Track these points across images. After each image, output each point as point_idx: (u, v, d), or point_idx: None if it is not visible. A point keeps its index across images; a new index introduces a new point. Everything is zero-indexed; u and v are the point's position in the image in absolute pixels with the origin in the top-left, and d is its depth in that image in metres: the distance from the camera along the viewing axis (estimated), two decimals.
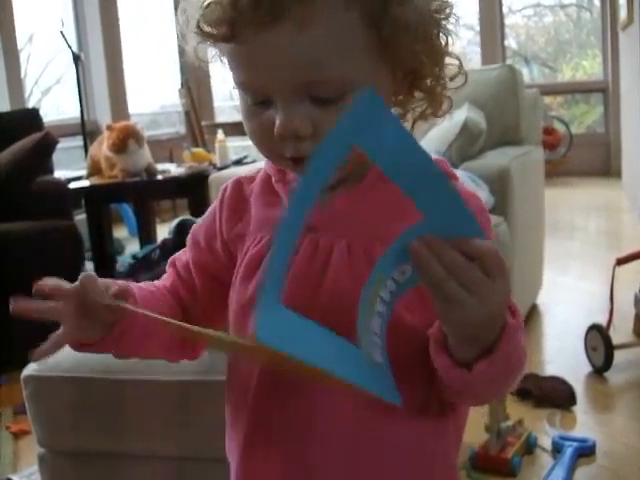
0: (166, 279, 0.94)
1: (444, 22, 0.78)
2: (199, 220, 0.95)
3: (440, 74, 0.79)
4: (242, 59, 0.74)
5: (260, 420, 0.82)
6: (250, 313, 0.81)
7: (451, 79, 0.81)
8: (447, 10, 0.78)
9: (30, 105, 5.86)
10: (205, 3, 0.73)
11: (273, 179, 0.86)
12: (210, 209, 0.92)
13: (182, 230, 1.81)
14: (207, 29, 0.74)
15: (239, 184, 0.90)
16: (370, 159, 0.64)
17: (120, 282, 0.84)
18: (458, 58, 0.80)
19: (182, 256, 0.94)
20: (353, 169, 0.79)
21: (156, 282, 0.94)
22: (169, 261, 0.95)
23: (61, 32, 4.54)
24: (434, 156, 0.85)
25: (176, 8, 0.79)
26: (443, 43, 0.78)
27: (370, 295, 0.67)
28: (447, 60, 0.80)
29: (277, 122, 0.74)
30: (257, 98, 0.76)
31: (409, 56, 0.75)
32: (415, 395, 0.79)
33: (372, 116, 0.62)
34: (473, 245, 0.65)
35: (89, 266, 3.65)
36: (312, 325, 0.69)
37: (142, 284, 0.90)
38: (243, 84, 0.76)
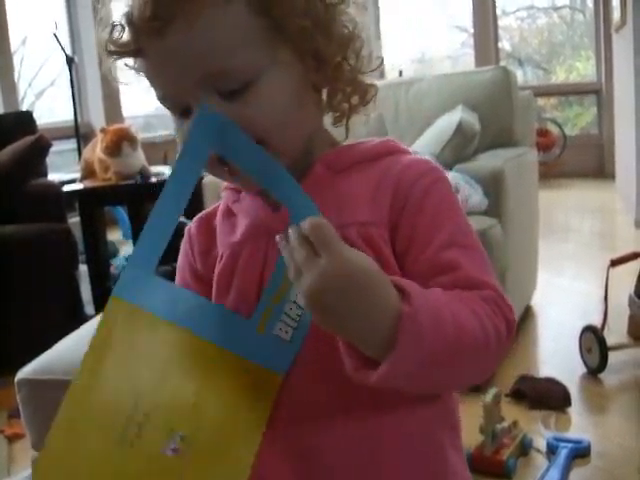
0: None
1: (340, 6, 0.80)
2: (176, 268, 0.94)
3: (350, 59, 0.82)
4: (151, 71, 0.79)
5: None
6: None
7: (362, 63, 0.83)
8: None
9: (24, 108, 5.85)
10: (108, 27, 0.80)
11: (230, 202, 0.90)
12: (181, 254, 0.93)
13: (175, 232, 1.81)
14: (115, 49, 0.80)
15: (203, 219, 0.94)
16: (228, 160, 0.77)
17: None
18: (360, 38, 0.82)
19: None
20: (297, 163, 0.83)
21: None
22: None
23: (54, 34, 4.53)
24: (383, 139, 0.87)
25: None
26: (345, 28, 0.81)
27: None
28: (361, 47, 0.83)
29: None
30: (177, 110, 0.81)
31: (304, 37, 0.78)
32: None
33: (216, 127, 0.75)
34: (301, 226, 0.70)
35: (83, 269, 3.64)
36: (184, 291, 0.82)
37: None
38: (162, 99, 0.81)
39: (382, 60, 0.86)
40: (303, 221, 0.70)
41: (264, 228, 0.83)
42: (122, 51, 0.80)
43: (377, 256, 0.77)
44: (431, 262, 0.77)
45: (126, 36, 0.79)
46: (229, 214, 0.90)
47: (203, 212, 0.94)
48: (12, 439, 2.37)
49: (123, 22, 0.78)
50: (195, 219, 0.94)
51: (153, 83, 0.80)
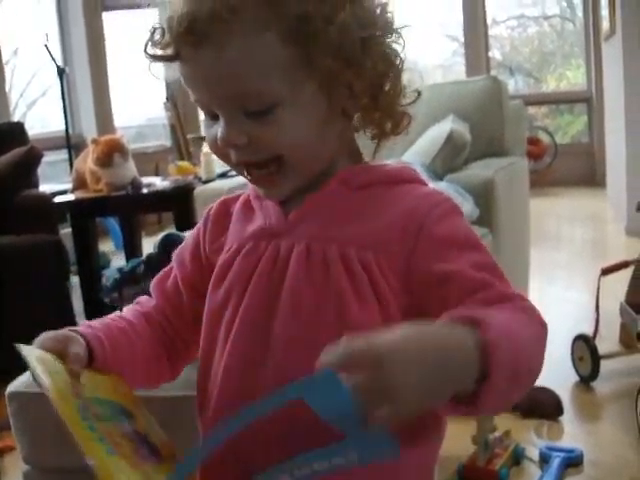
0: (151, 302, 0.98)
1: (377, 39, 0.81)
2: (185, 239, 0.98)
3: (384, 92, 0.82)
4: (187, 76, 0.82)
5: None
6: (219, 319, 0.87)
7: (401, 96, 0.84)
8: (386, 27, 0.82)
9: (15, 118, 5.84)
10: (150, 28, 0.83)
11: (250, 196, 0.92)
12: (195, 228, 0.97)
13: (167, 245, 1.80)
14: (155, 51, 0.83)
15: (225, 203, 0.96)
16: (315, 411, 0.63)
17: (80, 340, 0.85)
18: (399, 72, 0.83)
19: (166, 276, 0.98)
20: (315, 178, 0.85)
21: (137, 309, 0.97)
22: (152, 283, 0.99)
23: (46, 46, 4.53)
24: (402, 164, 0.88)
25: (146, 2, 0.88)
26: (380, 62, 0.81)
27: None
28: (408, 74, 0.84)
29: (218, 134, 0.81)
30: (209, 113, 0.84)
31: (332, 75, 0.78)
32: None
33: (327, 388, 0.62)
34: (337, 360, 0.62)
35: (75, 280, 3.63)
36: None
37: (116, 319, 0.93)
38: (196, 101, 0.83)
39: (419, 93, 0.86)
40: (331, 356, 0.62)
41: (269, 231, 0.86)
42: (160, 55, 0.83)
43: (370, 282, 0.78)
44: (461, 283, 0.77)
45: (166, 40, 0.81)
46: (248, 207, 0.92)
47: (226, 196, 0.96)
48: (3, 451, 2.35)
49: (164, 26, 0.81)
50: (217, 201, 0.96)
51: (189, 87, 0.83)
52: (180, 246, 0.98)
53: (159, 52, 0.83)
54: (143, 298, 1.00)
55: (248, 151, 0.81)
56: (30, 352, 0.79)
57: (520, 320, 0.73)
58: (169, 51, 0.81)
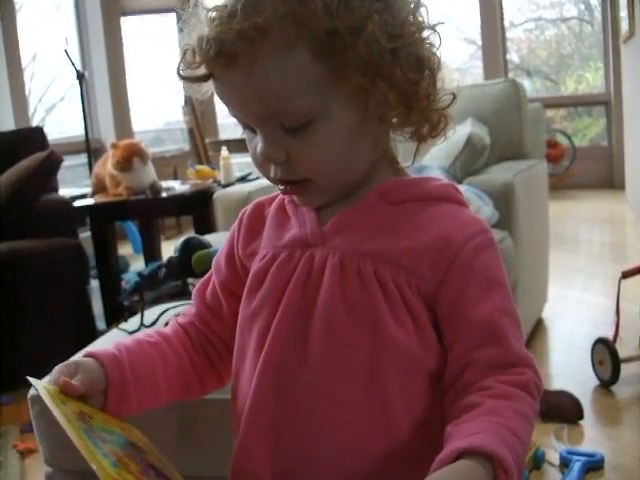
0: (192, 310, 0.99)
1: (408, 48, 0.79)
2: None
3: (418, 99, 0.81)
4: (221, 94, 0.81)
5: (254, 427, 0.85)
6: (250, 328, 0.87)
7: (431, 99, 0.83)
8: (418, 30, 0.81)
9: (34, 123, 5.89)
10: (182, 50, 0.83)
11: (286, 200, 0.91)
12: (230, 231, 0.97)
13: (187, 248, 1.81)
14: (186, 73, 0.83)
15: (259, 206, 0.95)
16: None
17: (107, 363, 0.87)
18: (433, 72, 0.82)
19: (206, 283, 0.99)
20: (353, 189, 0.84)
21: (177, 321, 0.99)
22: (193, 292, 1.00)
23: (65, 50, 4.56)
24: (444, 181, 0.87)
25: (179, 26, 0.85)
26: (411, 72, 0.79)
27: None
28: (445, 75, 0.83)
29: (257, 149, 0.81)
30: (245, 126, 0.83)
31: (363, 89, 0.78)
32: (413, 411, 0.81)
33: None
34: None
35: (94, 283, 3.66)
36: None
37: (151, 335, 0.95)
38: (233, 116, 0.83)
39: (454, 96, 0.84)
40: None
41: (304, 241, 0.86)
42: (193, 77, 0.82)
43: (402, 299, 0.79)
44: (482, 327, 0.79)
45: (197, 60, 0.81)
46: (283, 212, 0.91)
47: (260, 198, 0.96)
48: (25, 454, 2.37)
49: (195, 46, 0.80)
50: (251, 204, 0.96)
51: (224, 103, 0.82)
52: (218, 252, 0.99)
53: (192, 73, 0.82)
54: (186, 308, 1.01)
55: (285, 168, 0.81)
56: (38, 384, 0.81)
57: (524, 414, 0.75)
58: (201, 71, 0.81)
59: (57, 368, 0.84)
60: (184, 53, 0.82)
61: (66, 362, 0.85)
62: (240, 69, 0.76)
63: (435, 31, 0.83)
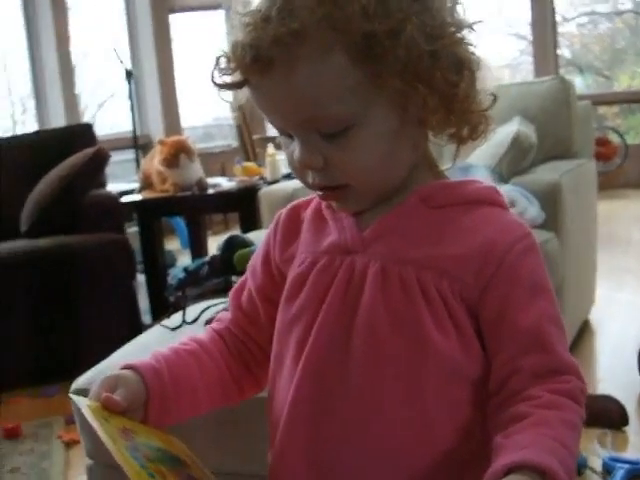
0: (228, 316, 0.98)
1: (447, 49, 0.78)
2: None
3: (458, 100, 0.79)
4: (256, 101, 0.80)
5: (290, 437, 0.84)
6: (288, 335, 0.85)
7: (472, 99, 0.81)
8: (457, 30, 0.79)
9: (85, 119, 5.98)
10: (215, 56, 0.82)
11: (323, 204, 0.89)
12: (265, 236, 0.96)
13: (230, 246, 1.83)
14: (222, 79, 0.81)
15: (295, 209, 0.94)
16: None
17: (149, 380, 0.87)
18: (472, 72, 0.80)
19: (241, 288, 0.98)
20: (392, 194, 0.82)
21: (213, 327, 0.98)
22: (229, 296, 1.00)
23: (114, 49, 4.62)
24: (485, 183, 0.86)
25: (227, 21, 0.85)
26: (451, 73, 0.78)
27: None
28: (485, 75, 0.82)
29: (294, 155, 0.80)
30: (281, 132, 0.82)
31: (402, 93, 0.76)
32: (455, 420, 0.80)
33: None
34: None
35: (141, 278, 3.70)
36: None
37: (187, 342, 0.94)
38: (268, 121, 0.82)
39: (495, 97, 0.84)
40: None
41: (344, 248, 0.84)
42: (228, 84, 0.82)
43: (445, 307, 0.78)
44: (527, 334, 0.78)
45: (232, 67, 0.80)
46: (320, 216, 0.90)
47: (296, 201, 0.95)
48: (69, 444, 2.41)
49: (229, 53, 0.79)
50: (287, 207, 0.95)
51: (260, 109, 0.81)
52: (253, 255, 0.98)
53: (227, 80, 0.81)
54: (222, 314, 1.01)
55: (323, 174, 0.80)
56: (82, 403, 0.80)
57: (572, 423, 0.74)
58: (236, 77, 0.80)
59: (98, 382, 0.84)
60: (217, 60, 0.81)
61: (107, 375, 0.85)
62: (276, 75, 0.75)
63: (474, 29, 0.81)
